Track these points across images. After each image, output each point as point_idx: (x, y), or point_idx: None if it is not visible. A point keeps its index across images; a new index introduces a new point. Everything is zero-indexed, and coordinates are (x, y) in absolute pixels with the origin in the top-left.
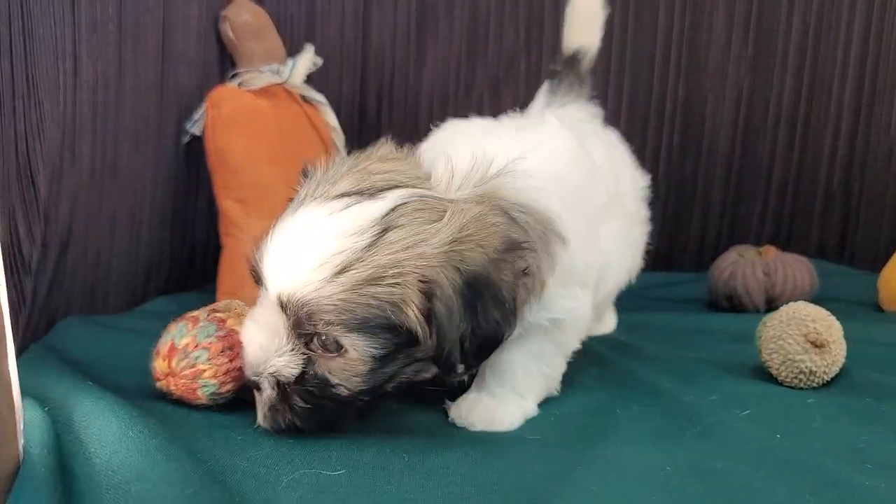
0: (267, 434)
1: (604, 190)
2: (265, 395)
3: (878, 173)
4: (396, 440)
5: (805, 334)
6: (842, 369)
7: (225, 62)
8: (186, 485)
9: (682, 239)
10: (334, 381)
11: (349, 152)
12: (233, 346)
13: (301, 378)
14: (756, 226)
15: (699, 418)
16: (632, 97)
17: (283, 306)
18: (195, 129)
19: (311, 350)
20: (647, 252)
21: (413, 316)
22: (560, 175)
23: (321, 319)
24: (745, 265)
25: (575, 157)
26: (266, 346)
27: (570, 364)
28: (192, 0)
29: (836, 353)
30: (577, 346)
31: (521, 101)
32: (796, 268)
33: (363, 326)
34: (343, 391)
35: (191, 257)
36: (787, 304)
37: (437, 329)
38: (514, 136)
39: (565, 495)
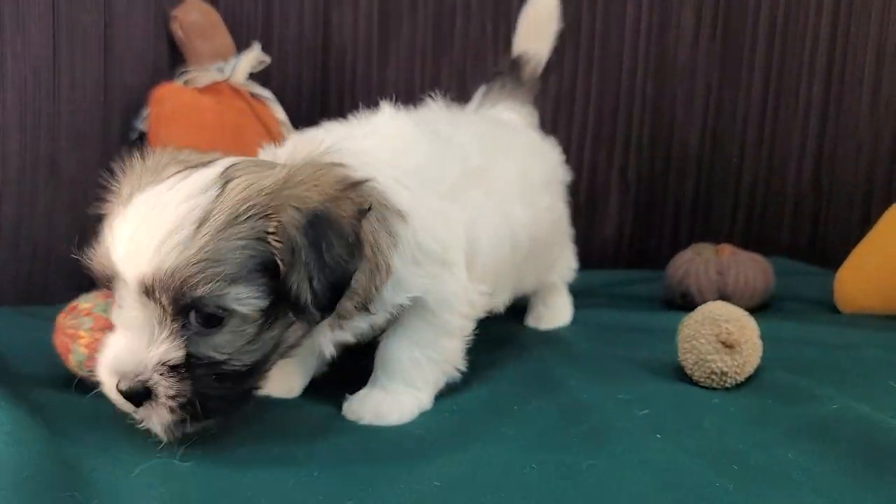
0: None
1: (458, 166)
2: (158, 401)
3: (847, 172)
4: (270, 433)
5: (717, 334)
6: (758, 369)
7: (177, 61)
8: (23, 469)
9: (655, 235)
10: (224, 357)
11: None
12: None
13: (188, 366)
14: (727, 224)
15: (591, 417)
16: (601, 94)
17: (150, 289)
18: (143, 126)
19: (189, 331)
20: (619, 249)
21: (275, 245)
22: (395, 156)
23: (197, 281)
24: (699, 263)
25: (410, 140)
26: (137, 346)
27: (484, 357)
28: (137, 5)
29: (748, 354)
30: (462, 325)
31: None
32: (750, 267)
33: (239, 274)
34: (235, 365)
35: None
36: (737, 303)
37: (285, 268)
38: (350, 125)
39: (409, 488)
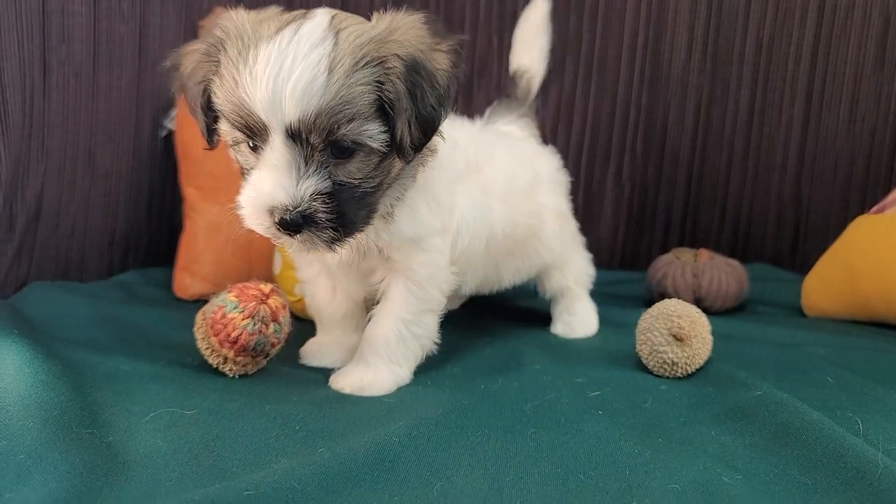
0: (154, 380)
1: (464, 161)
2: (318, 225)
3: (825, 185)
4: (264, 393)
5: (669, 328)
6: (708, 362)
7: None
8: (53, 408)
9: (646, 239)
10: (356, 182)
11: None
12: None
13: (332, 193)
14: (715, 230)
15: (546, 394)
16: (598, 105)
17: (297, 132)
18: (171, 125)
19: (328, 164)
20: (613, 250)
21: (391, 90)
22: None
23: (339, 120)
24: (677, 267)
25: (452, 142)
26: (288, 183)
27: (462, 342)
28: (169, 12)
29: (698, 347)
30: (440, 301)
31: None
32: (725, 271)
33: (368, 113)
34: (365, 188)
35: (169, 236)
36: (711, 305)
37: (394, 112)
38: None
39: (373, 441)
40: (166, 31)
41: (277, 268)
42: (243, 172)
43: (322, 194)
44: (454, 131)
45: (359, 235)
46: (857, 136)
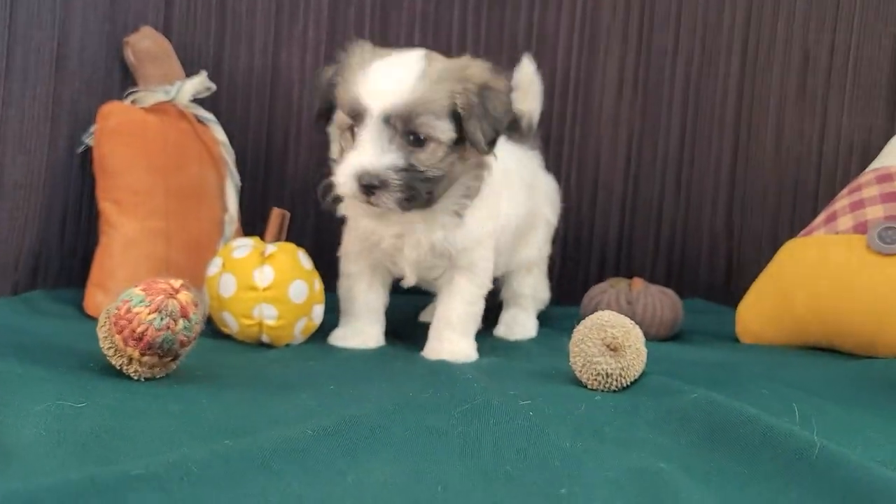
0: (48, 381)
1: (507, 176)
2: (390, 189)
3: (755, 215)
4: (171, 397)
5: (603, 339)
6: (643, 375)
7: (129, 85)
8: None
9: (582, 273)
10: (424, 168)
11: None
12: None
13: (405, 170)
14: (650, 262)
15: (476, 400)
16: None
17: (388, 118)
18: (89, 140)
19: (405, 148)
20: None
21: (460, 104)
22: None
23: (419, 114)
24: (611, 295)
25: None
26: (375, 156)
27: (400, 363)
28: (91, 26)
29: (632, 358)
30: (490, 284)
31: None
32: (658, 299)
33: (441, 114)
34: (430, 175)
35: (84, 258)
36: (646, 332)
37: (467, 117)
38: None
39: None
40: (88, 44)
41: (230, 290)
42: (338, 159)
43: (397, 170)
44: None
45: (428, 226)
46: (784, 166)
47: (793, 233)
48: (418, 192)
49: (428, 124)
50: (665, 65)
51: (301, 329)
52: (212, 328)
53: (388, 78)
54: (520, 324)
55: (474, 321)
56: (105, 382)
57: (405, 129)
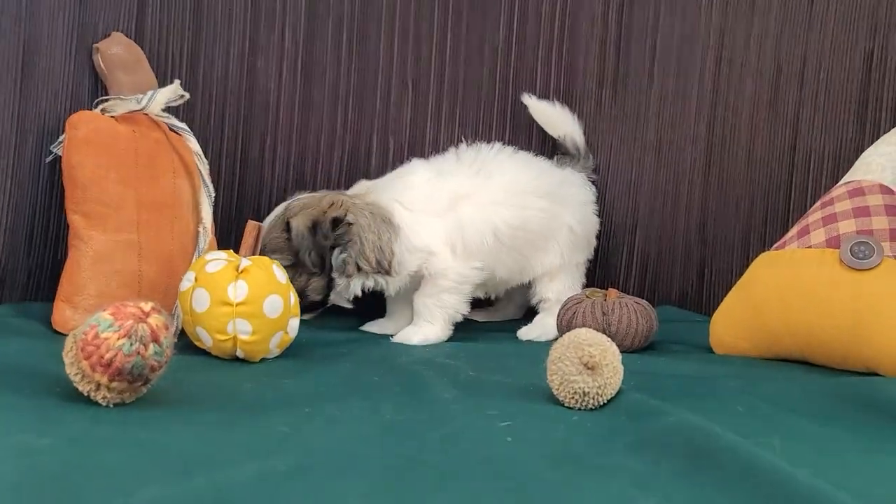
0: (10, 409)
1: (448, 195)
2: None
3: (727, 225)
4: (139, 423)
5: (580, 357)
6: (620, 392)
7: (100, 93)
8: None
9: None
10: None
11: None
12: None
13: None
14: (624, 273)
15: (454, 423)
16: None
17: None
18: (58, 150)
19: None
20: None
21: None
22: (404, 191)
23: (266, 250)
24: (586, 305)
25: (418, 181)
26: None
27: (366, 376)
28: (58, 32)
29: (609, 377)
30: (454, 286)
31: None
32: (634, 309)
33: (277, 249)
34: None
35: (52, 272)
36: (621, 343)
37: (294, 246)
38: (394, 174)
39: None
40: (55, 50)
41: (204, 306)
42: None
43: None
44: (427, 185)
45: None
46: (755, 177)
47: (764, 243)
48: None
49: (271, 258)
50: (642, 74)
51: (276, 343)
52: (186, 342)
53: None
54: (538, 326)
55: (437, 311)
56: (71, 410)
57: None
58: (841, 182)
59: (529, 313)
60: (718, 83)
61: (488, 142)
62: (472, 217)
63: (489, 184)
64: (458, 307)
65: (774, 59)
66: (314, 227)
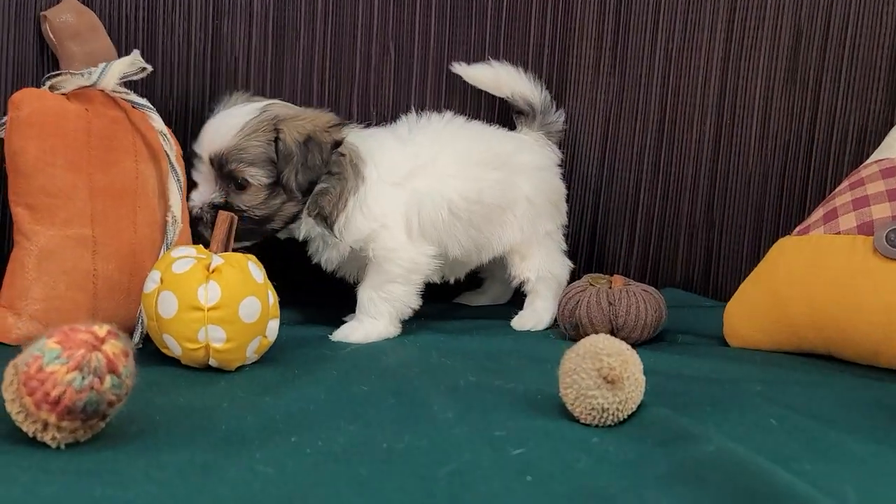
0: None
1: (409, 164)
2: (205, 223)
3: (737, 206)
4: (94, 473)
5: (598, 369)
6: (640, 406)
7: (48, 68)
8: None
9: None
10: (245, 208)
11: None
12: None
13: (229, 208)
14: (624, 255)
15: (461, 456)
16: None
17: (212, 162)
18: (1, 133)
19: (230, 190)
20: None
21: (275, 149)
22: (372, 153)
23: (231, 160)
24: (591, 294)
25: (385, 146)
26: (203, 191)
27: (357, 389)
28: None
29: (631, 391)
30: (403, 274)
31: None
32: (642, 298)
33: (256, 161)
34: (252, 215)
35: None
36: (628, 335)
37: (281, 161)
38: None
39: None
40: None
41: (171, 311)
42: None
43: (211, 207)
44: (391, 149)
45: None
46: (770, 154)
47: (778, 226)
48: (242, 231)
49: (240, 170)
50: (644, 41)
51: (254, 349)
52: (152, 349)
53: (213, 128)
54: (530, 313)
55: (382, 306)
56: (13, 455)
57: (223, 173)
58: (870, 160)
59: (519, 294)
60: (730, 47)
61: (477, 111)
62: (429, 189)
63: (442, 155)
64: (406, 300)
65: (794, 21)
66: (307, 142)
